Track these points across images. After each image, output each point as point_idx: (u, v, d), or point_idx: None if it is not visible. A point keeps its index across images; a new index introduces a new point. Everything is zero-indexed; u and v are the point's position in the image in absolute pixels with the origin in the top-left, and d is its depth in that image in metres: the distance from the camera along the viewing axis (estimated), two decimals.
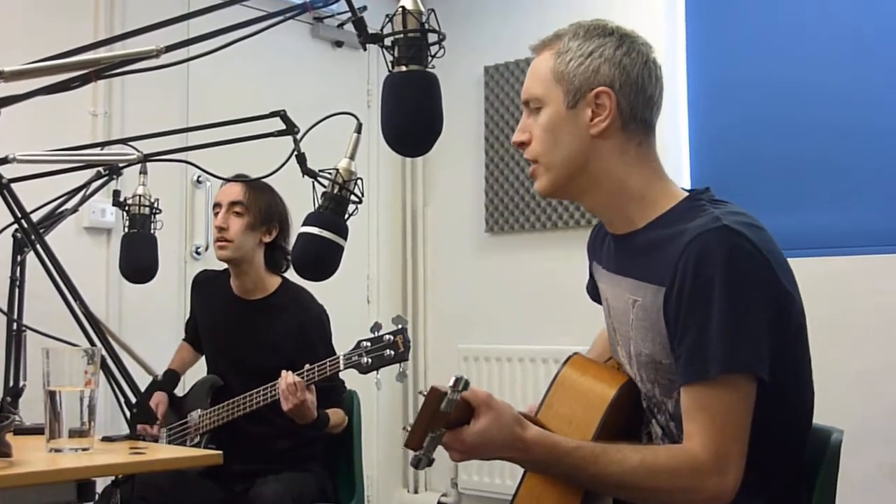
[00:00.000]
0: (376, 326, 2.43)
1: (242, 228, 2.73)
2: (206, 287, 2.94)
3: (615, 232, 1.60)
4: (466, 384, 1.31)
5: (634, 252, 1.53)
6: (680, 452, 1.40)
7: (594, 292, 1.78)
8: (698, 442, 1.38)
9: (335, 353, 2.54)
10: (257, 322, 2.76)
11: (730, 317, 1.36)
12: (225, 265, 2.84)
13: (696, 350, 1.38)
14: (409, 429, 1.33)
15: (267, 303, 2.79)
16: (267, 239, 2.78)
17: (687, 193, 1.55)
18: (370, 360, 2.40)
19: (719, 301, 1.36)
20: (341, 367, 2.44)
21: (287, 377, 2.47)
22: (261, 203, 2.75)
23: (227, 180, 2.69)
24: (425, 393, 1.32)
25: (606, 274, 1.63)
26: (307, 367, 2.49)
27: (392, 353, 2.38)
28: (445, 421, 1.33)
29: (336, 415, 2.66)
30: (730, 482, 1.36)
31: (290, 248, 2.76)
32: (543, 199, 4.05)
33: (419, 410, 1.33)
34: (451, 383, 1.30)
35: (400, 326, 2.41)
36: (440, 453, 1.37)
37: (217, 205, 2.79)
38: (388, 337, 2.39)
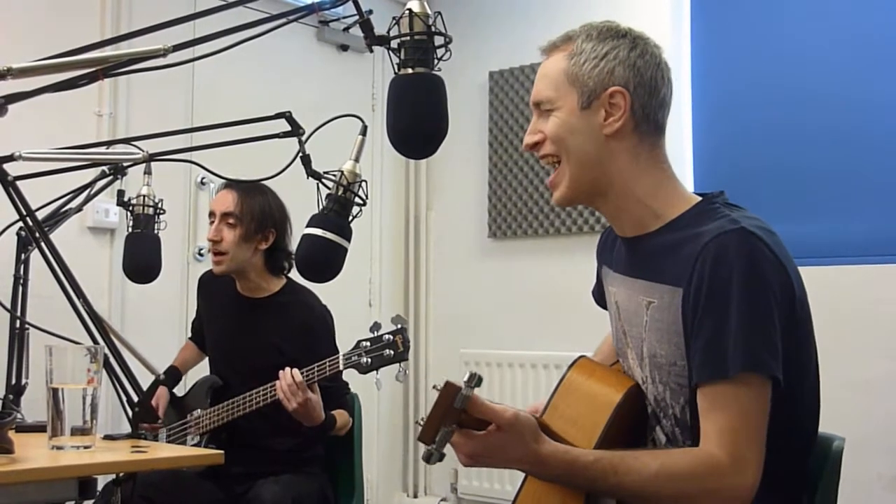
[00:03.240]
0: (375, 326, 2.42)
1: (236, 240, 2.71)
2: (212, 286, 2.94)
3: (625, 235, 1.59)
4: (480, 380, 1.31)
5: (649, 254, 1.53)
6: (698, 455, 1.40)
7: (601, 297, 1.78)
8: (716, 443, 1.37)
9: (339, 353, 2.54)
10: (261, 321, 2.76)
11: (748, 317, 1.37)
12: None
13: (714, 348, 1.38)
14: (422, 423, 1.33)
15: (271, 302, 2.79)
16: (263, 246, 2.76)
17: (700, 197, 1.55)
18: (370, 360, 2.39)
19: (738, 301, 1.37)
20: (341, 366, 2.43)
21: (286, 376, 2.45)
22: (254, 211, 2.72)
23: (231, 181, 2.68)
24: (439, 387, 1.32)
25: (617, 276, 1.63)
26: (305, 367, 2.48)
27: (391, 352, 2.37)
28: (458, 417, 1.33)
29: (341, 417, 2.66)
30: (749, 481, 1.36)
31: (292, 248, 2.76)
32: (544, 199, 4.06)
33: (433, 405, 1.33)
34: (465, 379, 1.31)
35: (399, 326, 2.39)
36: (447, 455, 1.37)
37: (211, 213, 2.78)
38: (387, 336, 2.39)
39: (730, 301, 1.37)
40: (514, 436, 1.37)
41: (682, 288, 1.43)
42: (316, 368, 2.46)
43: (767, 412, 1.38)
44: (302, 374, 2.46)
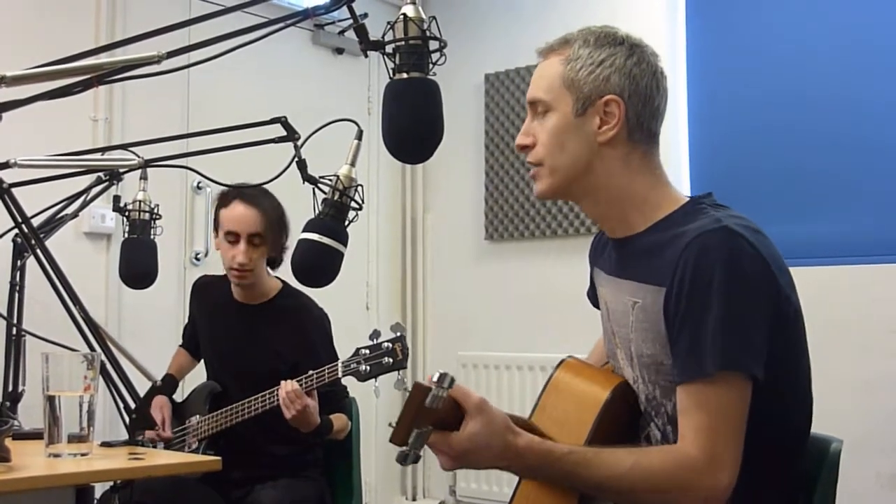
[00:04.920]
0: (375, 334, 2.43)
1: (261, 256, 2.71)
2: (207, 292, 2.93)
3: (615, 236, 1.60)
4: (452, 381, 1.30)
5: (635, 255, 1.54)
6: (673, 452, 1.40)
7: (595, 298, 1.78)
8: (691, 441, 1.37)
9: (337, 357, 2.54)
10: (258, 326, 2.75)
11: (727, 315, 1.36)
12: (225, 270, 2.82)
13: (694, 348, 1.38)
14: (394, 425, 1.33)
15: (268, 307, 2.78)
16: (272, 253, 2.77)
17: (689, 199, 1.56)
18: (368, 368, 2.39)
19: (718, 300, 1.37)
20: (340, 374, 2.44)
21: (286, 385, 2.46)
22: (275, 227, 2.71)
23: (227, 186, 2.66)
24: (409, 389, 1.31)
25: (607, 277, 1.64)
26: (305, 375, 2.48)
27: (390, 360, 2.38)
28: (433, 418, 1.32)
29: (339, 420, 2.66)
30: (724, 481, 1.36)
31: (289, 246, 2.75)
32: (541, 202, 4.06)
33: (403, 406, 1.31)
34: (435, 379, 1.29)
35: (399, 334, 2.40)
36: (434, 461, 1.36)
37: (231, 233, 2.68)
38: (386, 344, 2.39)
39: (711, 300, 1.37)
40: (485, 423, 1.35)
41: (665, 287, 1.43)
42: (315, 376, 2.46)
43: (746, 411, 1.38)
44: (301, 381, 2.46)
